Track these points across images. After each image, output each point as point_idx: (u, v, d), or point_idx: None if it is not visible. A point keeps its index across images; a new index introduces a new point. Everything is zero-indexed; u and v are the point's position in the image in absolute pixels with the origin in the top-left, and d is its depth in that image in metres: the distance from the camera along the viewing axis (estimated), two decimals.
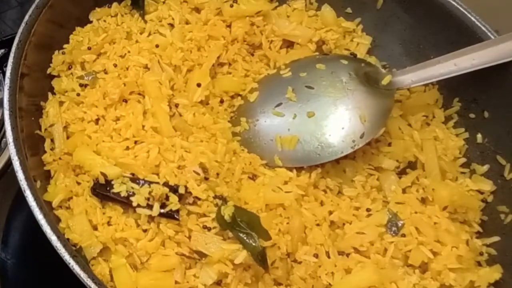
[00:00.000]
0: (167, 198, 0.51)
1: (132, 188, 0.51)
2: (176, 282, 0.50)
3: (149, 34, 0.62)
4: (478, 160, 0.61)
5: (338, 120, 0.57)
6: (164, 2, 0.65)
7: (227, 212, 0.50)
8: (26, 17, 0.57)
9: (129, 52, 0.60)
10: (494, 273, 0.54)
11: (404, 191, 0.58)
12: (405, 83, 0.60)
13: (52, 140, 0.57)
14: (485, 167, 0.60)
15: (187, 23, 0.64)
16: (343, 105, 0.58)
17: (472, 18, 0.61)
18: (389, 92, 0.59)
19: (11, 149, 0.50)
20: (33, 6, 0.58)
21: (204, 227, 0.51)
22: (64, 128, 0.57)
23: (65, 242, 0.47)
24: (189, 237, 0.50)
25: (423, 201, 0.58)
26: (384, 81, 0.60)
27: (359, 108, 0.57)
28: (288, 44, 0.66)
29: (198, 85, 0.59)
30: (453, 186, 0.58)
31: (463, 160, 0.62)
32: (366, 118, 0.57)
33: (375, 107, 0.58)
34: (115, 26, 0.63)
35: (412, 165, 0.60)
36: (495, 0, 0.71)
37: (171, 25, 0.63)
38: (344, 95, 0.58)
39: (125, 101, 0.58)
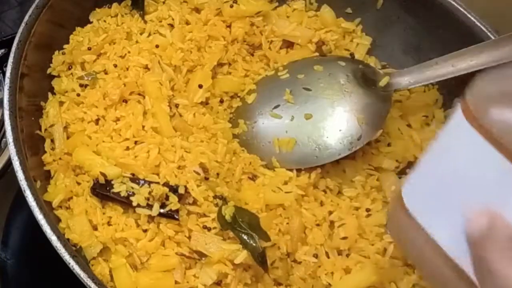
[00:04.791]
0: (167, 198, 0.51)
1: (132, 188, 0.51)
2: (176, 282, 0.50)
3: (149, 35, 0.62)
4: None
5: (335, 122, 0.57)
6: (164, 2, 0.65)
7: (228, 212, 0.50)
8: (26, 17, 0.57)
9: (129, 52, 0.60)
10: None
11: None
12: (403, 85, 0.59)
13: (52, 140, 0.57)
14: None
15: (187, 23, 0.63)
16: (340, 107, 0.58)
17: (472, 18, 0.61)
18: (387, 94, 0.59)
19: (11, 149, 0.50)
20: (33, 6, 0.57)
21: (204, 227, 0.51)
22: (64, 128, 0.57)
23: (65, 242, 0.47)
24: (189, 237, 0.50)
25: None
26: (382, 83, 0.60)
27: (357, 110, 0.57)
28: (288, 45, 0.66)
29: (200, 86, 0.59)
30: None
31: None
32: (364, 120, 0.57)
33: (373, 109, 0.58)
34: (115, 27, 0.63)
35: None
36: (495, 0, 0.71)
37: (171, 26, 0.63)
38: (341, 97, 0.58)
39: (125, 101, 0.58)
